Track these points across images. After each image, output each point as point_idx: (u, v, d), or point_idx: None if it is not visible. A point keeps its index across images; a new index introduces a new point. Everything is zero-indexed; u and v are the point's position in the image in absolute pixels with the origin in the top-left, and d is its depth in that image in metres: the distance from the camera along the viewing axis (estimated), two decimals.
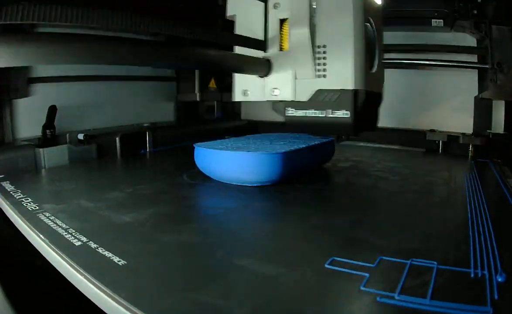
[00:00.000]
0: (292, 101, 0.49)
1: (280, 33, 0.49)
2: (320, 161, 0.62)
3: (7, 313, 0.40)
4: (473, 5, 0.78)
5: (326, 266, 0.28)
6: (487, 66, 0.77)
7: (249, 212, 0.42)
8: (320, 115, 0.48)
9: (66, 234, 0.34)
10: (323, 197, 0.48)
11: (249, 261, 0.29)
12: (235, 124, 1.11)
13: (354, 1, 0.44)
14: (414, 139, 0.89)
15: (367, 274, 0.26)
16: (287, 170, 0.49)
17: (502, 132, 0.81)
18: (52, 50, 0.29)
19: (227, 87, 0.93)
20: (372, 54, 0.51)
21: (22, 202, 0.43)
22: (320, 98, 0.47)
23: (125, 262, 0.28)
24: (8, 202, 0.43)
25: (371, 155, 0.77)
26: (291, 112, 0.50)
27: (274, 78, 0.50)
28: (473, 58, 0.83)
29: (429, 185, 0.53)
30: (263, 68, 0.49)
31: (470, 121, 0.86)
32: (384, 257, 0.29)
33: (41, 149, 0.62)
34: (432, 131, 0.86)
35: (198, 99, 1.01)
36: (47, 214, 0.39)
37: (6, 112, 0.69)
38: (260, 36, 0.50)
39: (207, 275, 0.27)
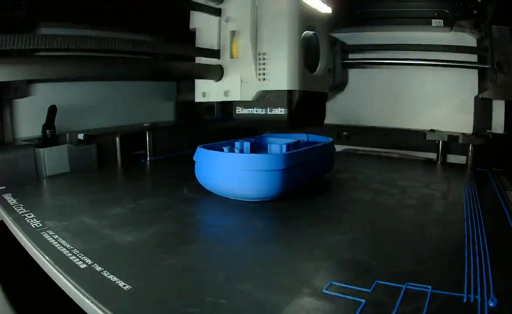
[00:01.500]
0: (240, 101, 0.56)
1: (231, 43, 0.56)
2: (320, 174, 0.62)
3: (7, 313, 0.40)
4: (473, 5, 0.78)
5: (324, 291, 0.28)
6: (487, 66, 0.77)
7: (249, 231, 0.42)
8: (261, 113, 0.54)
9: (71, 256, 0.34)
10: (323, 214, 0.48)
11: (250, 286, 0.29)
12: (235, 124, 1.10)
13: (288, 16, 0.51)
14: (414, 139, 0.89)
15: (363, 300, 0.27)
16: (288, 186, 0.50)
17: (502, 132, 0.81)
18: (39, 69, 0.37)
19: None
20: (315, 58, 0.59)
21: (25, 218, 0.43)
22: (261, 98, 0.54)
23: (130, 287, 0.29)
24: (11, 218, 0.44)
25: (371, 165, 0.77)
26: (240, 110, 0.56)
27: (226, 82, 0.57)
28: (473, 58, 0.83)
29: (427, 199, 0.53)
30: (217, 73, 0.56)
31: (470, 121, 0.86)
32: (380, 281, 0.29)
33: (41, 149, 0.62)
34: (432, 131, 0.86)
35: None
36: (51, 233, 0.39)
37: (6, 112, 0.69)
38: (215, 46, 0.57)
39: (210, 302, 0.27)
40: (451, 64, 0.83)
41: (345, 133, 0.98)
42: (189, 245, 0.38)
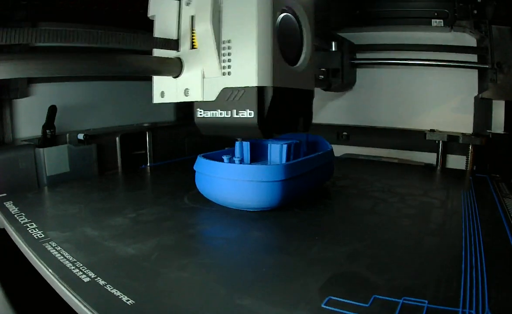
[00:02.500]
0: (201, 101, 0.46)
1: (192, 31, 0.46)
2: (320, 183, 0.61)
3: (7, 313, 0.40)
4: (473, 5, 0.78)
5: (323, 306, 0.28)
6: (487, 66, 0.77)
7: (249, 243, 0.42)
8: (226, 116, 0.44)
9: (74, 269, 0.34)
10: (322, 225, 0.47)
11: (250, 301, 0.29)
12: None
13: None
14: (414, 139, 0.89)
15: None
16: (288, 196, 0.49)
17: (502, 132, 0.81)
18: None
19: None
20: (295, 47, 0.48)
21: (27, 228, 0.43)
22: (226, 97, 0.44)
23: (133, 302, 0.29)
24: (13, 228, 0.44)
25: (371, 171, 0.77)
26: (201, 113, 0.47)
27: (185, 78, 0.47)
28: (473, 58, 0.83)
29: (426, 208, 0.52)
30: (174, 67, 0.46)
31: (470, 121, 0.86)
32: (377, 296, 0.30)
33: (41, 149, 0.62)
34: (432, 131, 0.86)
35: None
36: (53, 244, 0.39)
37: (6, 112, 0.69)
38: (175, 35, 0.47)
39: None
40: (451, 64, 0.83)
41: (345, 133, 0.98)
42: (190, 258, 0.38)
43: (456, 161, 0.86)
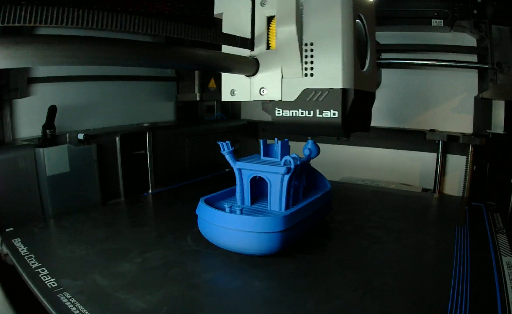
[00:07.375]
0: (280, 100, 0.47)
1: (268, 31, 0.48)
2: (319, 222, 0.62)
3: (7, 313, 0.40)
4: (473, 5, 0.78)
5: None
6: (487, 66, 0.77)
7: (250, 295, 0.42)
8: (308, 115, 0.46)
9: None
10: (318, 272, 0.48)
11: None
12: (235, 124, 1.11)
13: None
14: (414, 139, 0.90)
15: None
16: (287, 243, 0.50)
17: (502, 132, 0.81)
18: (48, 52, 0.28)
19: None
20: (363, 52, 0.50)
21: (40, 274, 0.43)
22: (307, 98, 0.45)
23: None
24: (25, 273, 0.44)
25: (367, 201, 0.77)
26: (279, 112, 0.48)
27: (261, 77, 0.48)
28: (473, 58, 0.83)
29: (419, 249, 0.53)
30: (251, 67, 0.47)
31: (470, 121, 0.86)
32: None
33: (41, 149, 0.62)
34: (432, 131, 0.86)
35: (198, 99, 1.01)
36: (68, 296, 0.39)
37: (6, 112, 0.69)
38: (247, 34, 0.48)
39: None
40: (451, 64, 0.83)
41: None
42: (196, 313, 0.38)
43: (456, 161, 0.87)
